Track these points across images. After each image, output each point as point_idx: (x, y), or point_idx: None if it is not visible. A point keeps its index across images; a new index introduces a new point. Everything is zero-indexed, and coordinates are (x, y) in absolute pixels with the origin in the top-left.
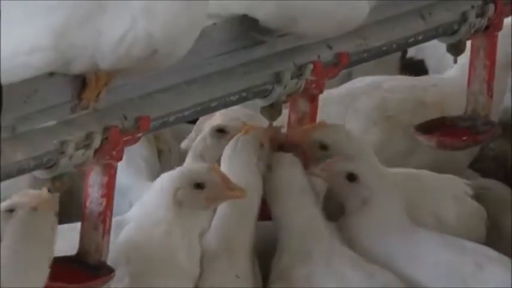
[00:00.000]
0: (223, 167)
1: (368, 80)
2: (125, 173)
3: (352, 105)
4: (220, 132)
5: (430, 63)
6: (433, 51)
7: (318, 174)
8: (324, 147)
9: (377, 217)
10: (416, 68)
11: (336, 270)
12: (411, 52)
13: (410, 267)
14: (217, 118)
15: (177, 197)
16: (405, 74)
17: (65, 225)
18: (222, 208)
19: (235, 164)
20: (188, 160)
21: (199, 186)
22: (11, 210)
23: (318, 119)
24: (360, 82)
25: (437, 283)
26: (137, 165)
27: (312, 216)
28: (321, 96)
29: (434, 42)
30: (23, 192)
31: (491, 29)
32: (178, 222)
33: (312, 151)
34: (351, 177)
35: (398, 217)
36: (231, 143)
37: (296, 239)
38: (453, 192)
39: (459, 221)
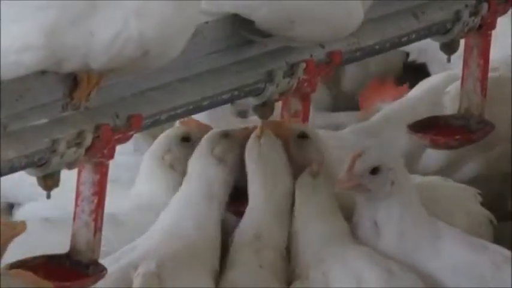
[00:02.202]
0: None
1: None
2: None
3: (440, 103)
4: (186, 141)
5: (432, 67)
6: (436, 54)
7: (345, 187)
8: (303, 135)
9: (405, 196)
10: (419, 71)
11: (353, 269)
12: (413, 55)
13: (431, 263)
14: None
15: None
16: (408, 78)
17: None
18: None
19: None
20: (157, 170)
21: None
22: None
23: (407, 121)
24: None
25: (457, 283)
26: None
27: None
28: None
29: (436, 45)
30: None
31: (485, 27)
32: None
33: (289, 139)
34: (375, 171)
35: (418, 202)
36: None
37: (305, 242)
38: (463, 200)
39: (469, 229)
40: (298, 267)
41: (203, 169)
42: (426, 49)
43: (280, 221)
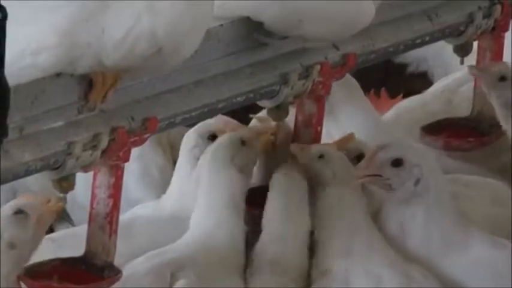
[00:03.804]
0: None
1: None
2: (138, 185)
3: (454, 100)
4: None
5: (435, 73)
6: (438, 60)
7: (362, 176)
8: (322, 156)
9: (433, 198)
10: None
11: (373, 271)
12: (412, 67)
13: (458, 269)
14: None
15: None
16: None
17: None
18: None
19: (210, 163)
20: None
21: None
22: (18, 212)
23: (420, 118)
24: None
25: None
26: (152, 176)
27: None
28: (416, 97)
29: (439, 51)
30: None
31: (498, 30)
32: None
33: (310, 164)
34: (397, 163)
35: (449, 206)
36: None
37: (336, 236)
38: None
39: None
40: (324, 257)
41: (225, 179)
42: (426, 57)
43: (301, 256)
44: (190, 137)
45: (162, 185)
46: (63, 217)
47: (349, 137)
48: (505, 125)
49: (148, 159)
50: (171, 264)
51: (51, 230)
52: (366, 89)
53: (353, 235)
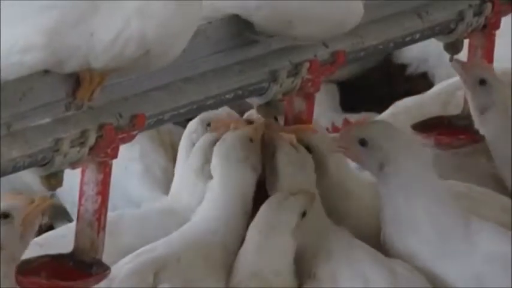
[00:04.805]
0: (215, 163)
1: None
2: (140, 185)
3: (452, 103)
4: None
5: (436, 73)
6: (438, 61)
7: (337, 149)
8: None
9: (398, 182)
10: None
11: (358, 269)
12: (412, 68)
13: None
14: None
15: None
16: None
17: None
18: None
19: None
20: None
21: None
22: (5, 216)
23: (416, 118)
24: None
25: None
26: (154, 176)
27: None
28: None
29: (440, 52)
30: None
31: (489, 28)
32: None
33: None
34: (363, 142)
35: (427, 180)
36: (220, 141)
37: (314, 233)
38: None
39: None
40: (309, 260)
41: (240, 178)
42: (427, 59)
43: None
44: (192, 124)
45: (165, 185)
46: (63, 216)
47: (306, 128)
48: (479, 128)
49: (150, 160)
50: (154, 263)
51: (51, 228)
52: (367, 89)
53: (333, 235)
